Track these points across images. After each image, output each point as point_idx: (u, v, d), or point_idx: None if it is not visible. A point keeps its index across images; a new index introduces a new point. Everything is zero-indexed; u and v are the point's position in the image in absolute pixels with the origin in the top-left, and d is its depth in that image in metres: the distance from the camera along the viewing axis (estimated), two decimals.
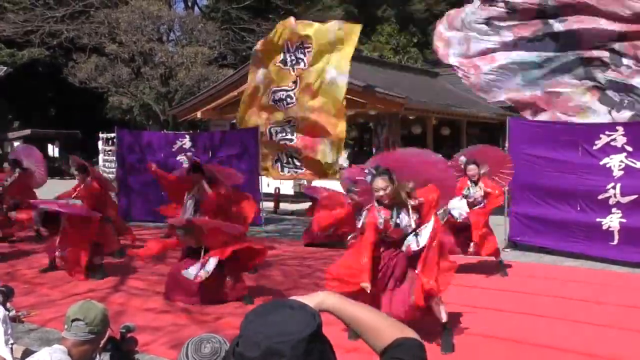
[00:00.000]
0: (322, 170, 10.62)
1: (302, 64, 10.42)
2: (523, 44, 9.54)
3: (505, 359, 4.36)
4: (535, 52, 9.37)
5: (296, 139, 10.74)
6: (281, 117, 10.82)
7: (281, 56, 10.65)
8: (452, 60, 9.95)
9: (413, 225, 4.45)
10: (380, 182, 4.38)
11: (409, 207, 4.42)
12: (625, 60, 8.76)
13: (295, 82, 10.55)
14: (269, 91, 10.82)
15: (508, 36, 9.52)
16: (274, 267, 7.55)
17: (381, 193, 4.38)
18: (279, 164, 11.21)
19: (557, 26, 9.22)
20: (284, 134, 10.93)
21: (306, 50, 10.34)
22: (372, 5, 31.86)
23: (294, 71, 10.54)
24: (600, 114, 8.92)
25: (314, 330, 0.93)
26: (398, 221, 4.44)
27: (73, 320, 2.32)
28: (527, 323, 5.15)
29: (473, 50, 9.71)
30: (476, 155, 7.14)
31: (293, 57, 10.53)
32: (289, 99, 10.66)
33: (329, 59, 10.16)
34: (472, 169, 6.95)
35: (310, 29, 10.35)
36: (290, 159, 11.03)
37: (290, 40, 10.51)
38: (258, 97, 11.08)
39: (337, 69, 10.05)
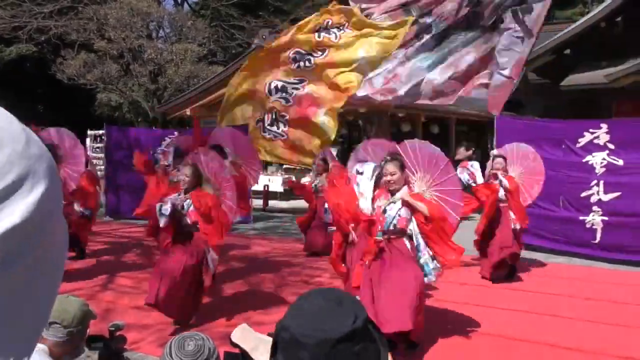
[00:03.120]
0: (310, 145, 9.72)
1: (333, 37, 9.56)
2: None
3: (492, 355, 4.44)
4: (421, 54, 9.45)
5: (293, 102, 9.84)
6: (290, 76, 9.90)
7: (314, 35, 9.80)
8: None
9: (395, 221, 4.43)
10: (390, 167, 4.47)
11: (401, 199, 4.46)
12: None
13: (322, 51, 9.74)
14: (290, 51, 9.97)
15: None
16: (263, 265, 7.59)
17: (389, 178, 4.45)
18: (261, 124, 10.33)
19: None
20: (283, 93, 9.99)
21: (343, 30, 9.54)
22: None
23: (319, 38, 9.70)
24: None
25: (343, 335, 0.93)
26: (387, 208, 4.47)
27: (50, 323, 2.23)
28: (513, 319, 5.23)
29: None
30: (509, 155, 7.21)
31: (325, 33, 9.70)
32: (307, 62, 9.83)
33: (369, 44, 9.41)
34: (498, 162, 7.02)
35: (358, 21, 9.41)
36: (275, 121, 10.09)
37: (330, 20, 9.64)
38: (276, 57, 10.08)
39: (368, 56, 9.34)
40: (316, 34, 9.18)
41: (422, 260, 4.43)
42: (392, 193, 4.52)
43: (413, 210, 4.46)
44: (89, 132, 20.12)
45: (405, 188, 4.53)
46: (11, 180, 0.47)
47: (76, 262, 7.67)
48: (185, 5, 26.56)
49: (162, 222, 5.07)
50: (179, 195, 5.30)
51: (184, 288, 5.05)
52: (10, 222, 0.46)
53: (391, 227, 4.46)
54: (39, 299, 0.52)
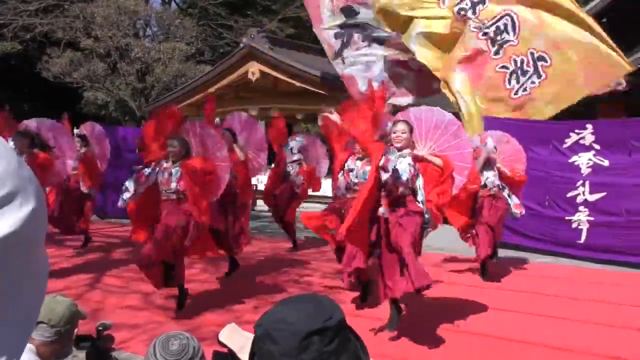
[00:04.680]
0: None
1: None
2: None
3: (480, 354, 4.47)
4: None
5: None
6: None
7: None
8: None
9: (407, 174, 4.46)
10: (401, 126, 4.65)
11: (410, 156, 4.57)
12: None
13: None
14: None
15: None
16: (251, 264, 7.58)
17: (398, 134, 4.58)
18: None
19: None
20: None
21: None
22: None
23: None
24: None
25: (314, 329, 0.93)
26: (397, 165, 4.46)
27: (37, 323, 2.17)
28: (500, 318, 5.27)
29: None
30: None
31: None
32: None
33: None
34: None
35: None
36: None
37: None
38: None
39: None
40: None
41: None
42: (398, 150, 4.61)
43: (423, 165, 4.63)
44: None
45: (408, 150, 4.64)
46: (5, 193, 0.50)
47: (66, 260, 7.63)
48: (173, 3, 26.43)
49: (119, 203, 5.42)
50: (162, 162, 5.37)
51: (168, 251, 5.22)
52: (4, 231, 0.49)
53: (403, 179, 4.47)
54: (21, 309, 0.54)
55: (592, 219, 7.93)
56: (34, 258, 0.55)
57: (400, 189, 4.59)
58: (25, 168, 0.53)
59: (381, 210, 4.58)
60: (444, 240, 7.79)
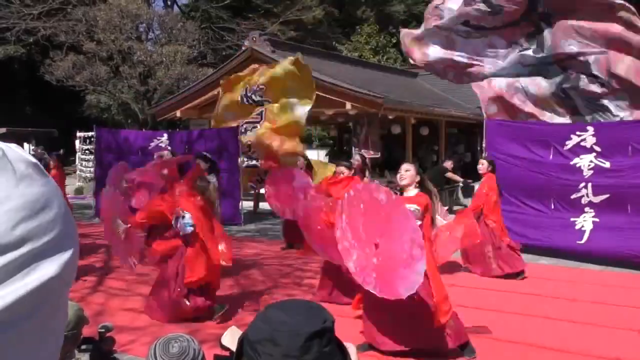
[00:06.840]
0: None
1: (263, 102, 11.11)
2: (512, 50, 9.54)
3: (480, 355, 4.47)
4: (520, 58, 9.41)
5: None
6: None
7: (238, 96, 11.23)
8: (432, 57, 9.98)
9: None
10: (405, 165, 4.75)
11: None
12: (597, 78, 8.83)
13: (260, 115, 11.24)
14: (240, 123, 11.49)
15: (496, 41, 9.53)
16: (254, 267, 7.59)
17: (403, 172, 4.63)
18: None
19: (546, 30, 9.15)
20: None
21: (262, 92, 10.98)
22: (352, 6, 31.98)
23: (256, 105, 11.20)
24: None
25: (315, 330, 0.95)
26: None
27: None
28: (501, 320, 5.27)
29: (459, 51, 9.73)
30: None
31: (250, 98, 11.14)
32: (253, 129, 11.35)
33: (286, 91, 10.69)
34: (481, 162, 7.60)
35: (265, 76, 10.84)
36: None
37: (249, 86, 11.12)
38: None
39: (298, 99, 10.64)
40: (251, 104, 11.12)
41: None
42: (402, 190, 4.65)
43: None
44: (78, 133, 20.02)
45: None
46: (55, 235, 0.52)
47: None
48: (175, 7, 26.52)
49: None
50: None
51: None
52: (51, 273, 0.50)
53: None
54: (49, 348, 0.54)
55: (594, 220, 7.93)
56: (64, 300, 0.56)
57: None
58: (69, 212, 0.55)
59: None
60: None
